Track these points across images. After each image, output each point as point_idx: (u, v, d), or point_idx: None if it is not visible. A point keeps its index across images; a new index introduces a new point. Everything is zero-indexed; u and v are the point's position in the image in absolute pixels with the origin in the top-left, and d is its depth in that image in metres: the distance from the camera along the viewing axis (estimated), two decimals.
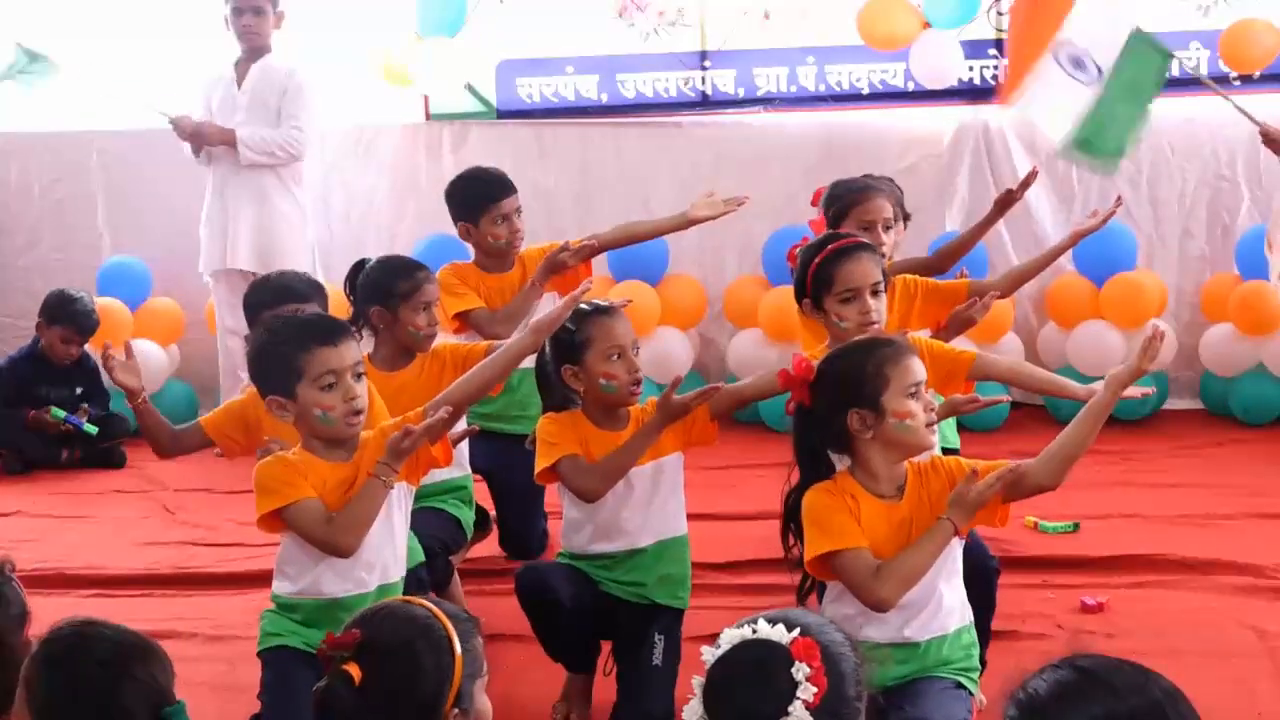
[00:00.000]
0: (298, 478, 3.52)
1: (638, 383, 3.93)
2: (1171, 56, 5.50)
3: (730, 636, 2.34)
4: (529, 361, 5.02)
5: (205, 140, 7.12)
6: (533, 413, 5.02)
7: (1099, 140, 5.46)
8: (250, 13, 7.09)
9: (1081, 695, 1.95)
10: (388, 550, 3.63)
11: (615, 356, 3.91)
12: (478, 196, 5.27)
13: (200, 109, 7.24)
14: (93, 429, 7.00)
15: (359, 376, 3.56)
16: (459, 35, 7.60)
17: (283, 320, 3.71)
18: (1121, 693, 1.94)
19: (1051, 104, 5.55)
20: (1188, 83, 7.45)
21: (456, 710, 2.41)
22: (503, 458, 5.03)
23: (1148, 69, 5.45)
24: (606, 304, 4.04)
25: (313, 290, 4.62)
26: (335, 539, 3.49)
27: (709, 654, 2.34)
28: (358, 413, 3.54)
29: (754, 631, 2.32)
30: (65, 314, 7.22)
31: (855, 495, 3.39)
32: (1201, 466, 6.50)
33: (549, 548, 5.21)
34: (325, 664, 2.41)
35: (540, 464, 3.95)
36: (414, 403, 3.75)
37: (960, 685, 3.44)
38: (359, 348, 3.64)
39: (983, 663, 3.93)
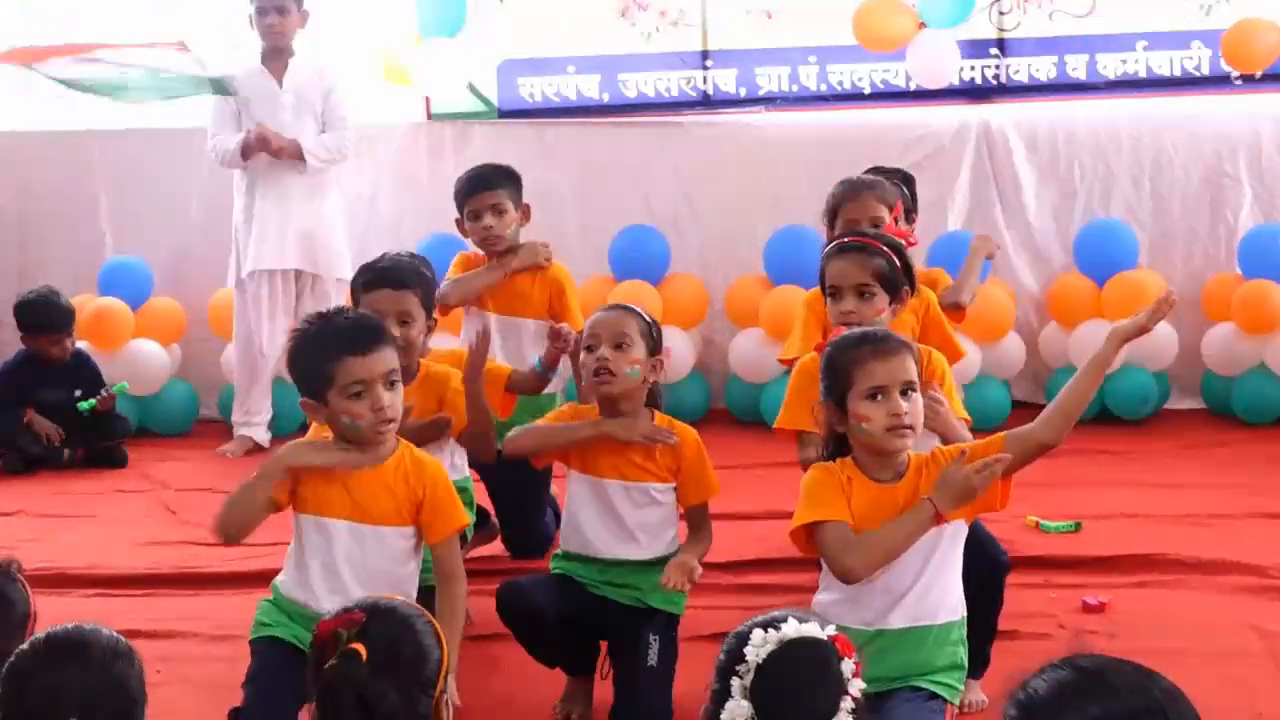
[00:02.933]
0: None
1: (602, 372, 3.91)
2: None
3: (763, 636, 2.34)
4: None
5: (280, 152, 7.09)
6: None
7: None
8: (274, 12, 7.10)
9: (1081, 695, 1.95)
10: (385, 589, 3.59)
11: (589, 347, 3.96)
12: (457, 193, 5.37)
13: (228, 106, 7.19)
14: (88, 404, 7.04)
15: (392, 385, 3.53)
16: (459, 35, 7.60)
17: (318, 323, 3.65)
18: (1122, 693, 1.94)
19: None
20: (1191, 82, 7.48)
21: (444, 695, 2.45)
22: (500, 469, 5.05)
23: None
24: (620, 304, 4.14)
25: (413, 277, 4.38)
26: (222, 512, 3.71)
27: (751, 653, 2.34)
28: (387, 421, 3.53)
29: (778, 629, 2.33)
30: (42, 319, 7.16)
31: (851, 477, 3.40)
32: (1203, 466, 6.49)
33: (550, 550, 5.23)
34: (324, 641, 2.41)
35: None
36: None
37: (935, 695, 3.38)
38: (394, 354, 3.58)
39: (987, 660, 3.94)
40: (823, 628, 2.33)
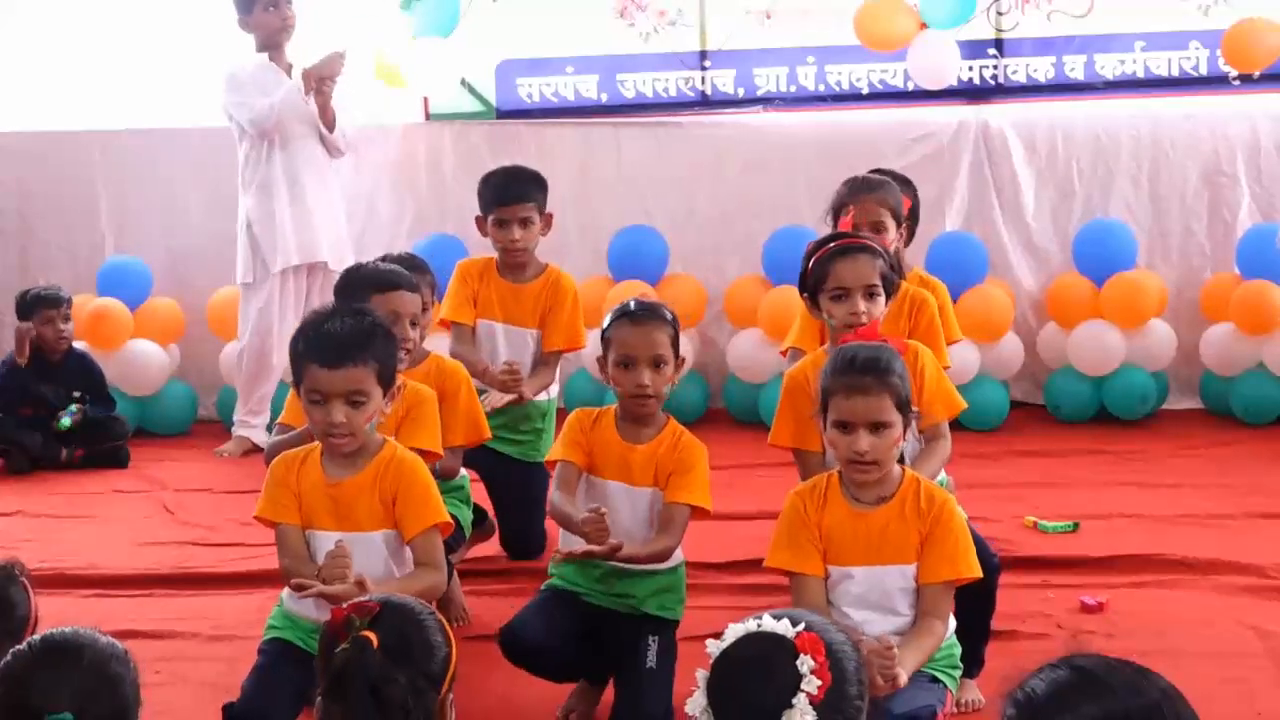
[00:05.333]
0: (288, 493, 3.62)
1: (641, 397, 3.90)
2: None
3: (735, 630, 2.34)
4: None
5: (326, 91, 6.99)
6: (519, 438, 5.14)
7: None
8: (286, 3, 7.08)
9: (1079, 695, 1.95)
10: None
11: (624, 365, 3.91)
12: (486, 195, 5.30)
13: (253, 101, 7.05)
14: (65, 423, 7.01)
15: (355, 404, 3.53)
16: (453, 35, 7.59)
17: (315, 319, 3.67)
18: (1119, 693, 1.94)
19: None
20: (1190, 82, 7.49)
21: (450, 695, 2.47)
22: (498, 470, 5.09)
23: None
24: (643, 307, 4.03)
25: (402, 280, 4.48)
26: (285, 573, 3.58)
27: (713, 646, 2.34)
28: (340, 436, 3.54)
29: (759, 626, 2.33)
30: (40, 294, 7.17)
31: (829, 497, 3.45)
32: (1202, 466, 6.49)
33: (548, 549, 5.24)
34: (337, 626, 2.43)
35: (549, 454, 4.10)
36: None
37: (934, 679, 3.43)
38: (365, 373, 3.54)
39: (981, 661, 3.95)
40: (795, 624, 2.32)
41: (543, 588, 4.08)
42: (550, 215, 5.37)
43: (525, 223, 5.24)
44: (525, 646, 3.90)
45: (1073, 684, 1.97)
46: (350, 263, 7.00)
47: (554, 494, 3.97)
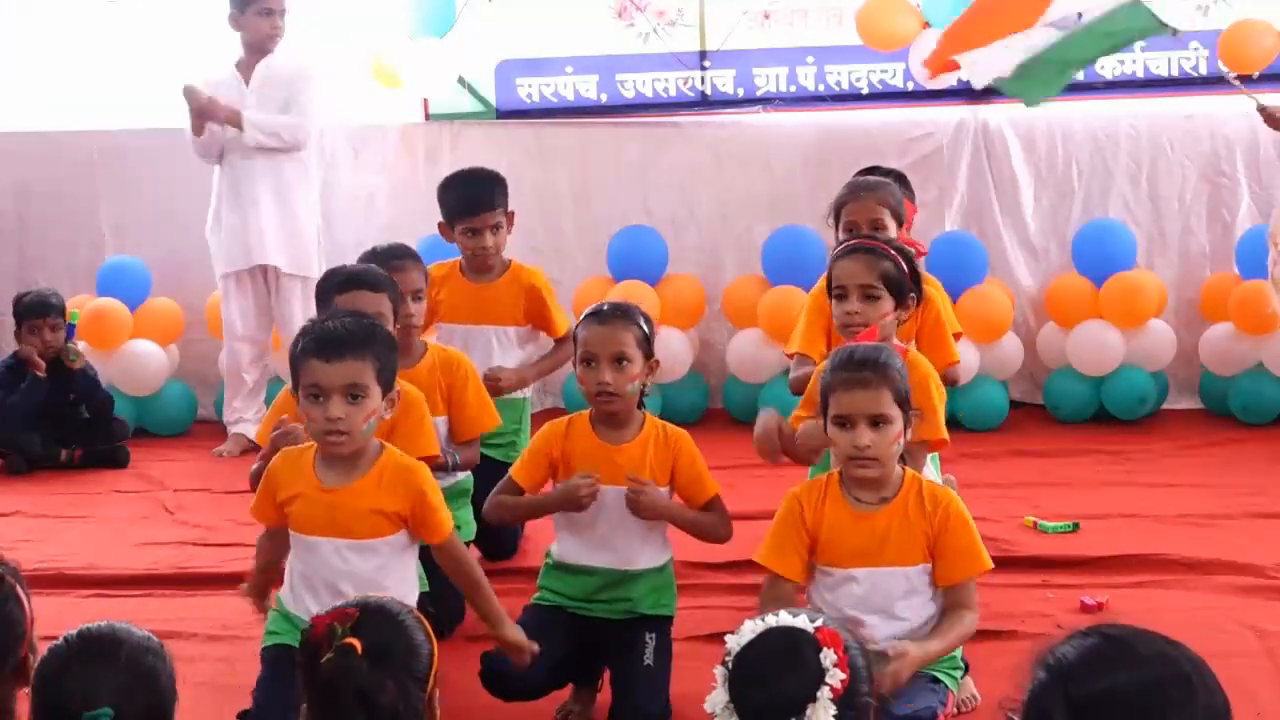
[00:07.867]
0: (282, 492, 3.61)
1: (603, 395, 3.89)
2: (1165, 28, 5.48)
3: (753, 626, 2.35)
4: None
5: (214, 114, 7.01)
6: (497, 440, 5.11)
7: (1030, 78, 5.52)
8: (279, 14, 7.08)
9: (1111, 663, 1.96)
10: (401, 589, 3.58)
11: (587, 362, 3.91)
12: (453, 205, 5.30)
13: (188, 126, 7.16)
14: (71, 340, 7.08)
15: (354, 398, 3.49)
16: (448, 35, 7.58)
17: (314, 321, 3.66)
18: (1152, 662, 1.95)
19: (990, 62, 5.58)
20: (1189, 82, 7.48)
21: (436, 690, 2.47)
22: (476, 470, 5.09)
23: (1130, 25, 5.45)
24: (611, 307, 4.02)
25: (386, 282, 4.43)
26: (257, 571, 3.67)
27: (733, 641, 2.34)
28: (337, 433, 3.49)
29: (777, 622, 2.33)
30: (35, 302, 7.14)
31: (828, 498, 3.45)
32: (1201, 466, 6.50)
33: (520, 549, 5.32)
34: (318, 637, 2.42)
35: (514, 467, 4.06)
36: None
37: (936, 680, 3.45)
38: (363, 367, 3.51)
39: (965, 662, 3.95)
40: (813, 620, 2.33)
41: (529, 605, 4.04)
42: (513, 213, 5.38)
43: (495, 229, 5.26)
44: (509, 680, 3.84)
45: (1105, 652, 1.98)
46: (315, 267, 7.09)
47: (498, 498, 3.98)
